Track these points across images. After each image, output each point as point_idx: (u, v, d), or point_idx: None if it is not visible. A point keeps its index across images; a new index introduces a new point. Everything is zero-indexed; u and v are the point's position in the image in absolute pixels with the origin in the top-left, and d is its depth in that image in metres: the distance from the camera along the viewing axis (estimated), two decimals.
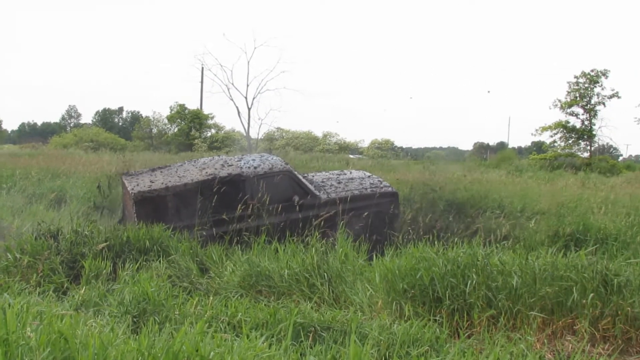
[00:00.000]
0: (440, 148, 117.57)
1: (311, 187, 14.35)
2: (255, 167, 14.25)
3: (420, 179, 25.51)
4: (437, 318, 8.19)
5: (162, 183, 13.75)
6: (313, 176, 16.07)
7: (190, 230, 12.97)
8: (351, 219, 13.50)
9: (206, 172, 14.00)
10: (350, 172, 16.26)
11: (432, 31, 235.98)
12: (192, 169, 14.37)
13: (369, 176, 15.87)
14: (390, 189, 14.85)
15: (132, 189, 13.57)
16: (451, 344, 7.45)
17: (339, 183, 15.08)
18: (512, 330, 8.06)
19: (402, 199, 19.30)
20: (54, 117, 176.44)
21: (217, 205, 13.49)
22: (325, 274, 9.78)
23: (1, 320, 5.03)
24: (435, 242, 10.80)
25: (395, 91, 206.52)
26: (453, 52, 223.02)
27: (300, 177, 14.47)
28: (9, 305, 6.77)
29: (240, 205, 13.47)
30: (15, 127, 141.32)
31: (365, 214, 13.80)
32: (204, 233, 12.94)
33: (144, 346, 5.22)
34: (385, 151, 71.55)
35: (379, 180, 15.48)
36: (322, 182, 15.46)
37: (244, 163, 14.55)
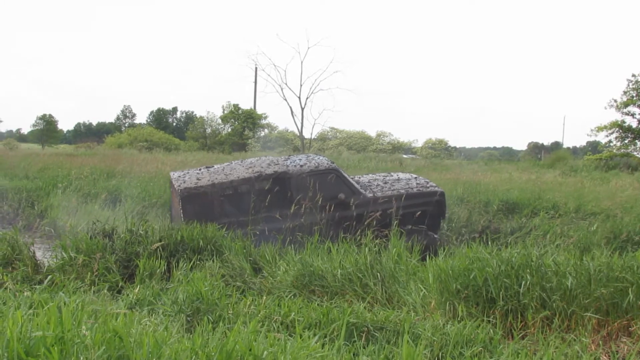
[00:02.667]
0: (494, 148, 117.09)
1: (357, 185, 14.36)
2: (301, 166, 14.33)
3: (474, 179, 25.41)
4: (491, 319, 8.12)
5: (209, 180, 13.91)
6: (360, 178, 16.07)
7: (239, 226, 13.15)
8: (401, 217, 13.42)
9: (252, 170, 14.09)
10: (397, 174, 16.20)
11: (487, 30, 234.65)
12: (239, 168, 14.51)
13: (415, 177, 15.80)
14: (437, 188, 14.75)
15: (179, 185, 13.75)
16: (505, 344, 7.39)
17: (385, 183, 15.07)
18: (566, 332, 7.97)
19: (455, 199, 19.24)
20: (109, 117, 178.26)
21: (264, 202, 13.63)
22: (379, 273, 9.74)
23: (57, 319, 5.08)
24: (489, 242, 10.72)
25: (450, 90, 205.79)
26: (508, 51, 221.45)
27: (347, 175, 14.46)
28: (65, 303, 6.84)
29: (290, 203, 13.62)
30: (71, 127, 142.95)
31: (416, 212, 13.72)
32: (257, 231, 13.02)
33: (198, 345, 5.24)
34: (438, 151, 71.33)
35: (425, 181, 15.39)
36: (369, 182, 15.49)
37: (290, 162, 14.65)
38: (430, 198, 14.19)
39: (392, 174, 16.40)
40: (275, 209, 13.77)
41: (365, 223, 13.19)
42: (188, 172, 14.72)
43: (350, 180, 14.38)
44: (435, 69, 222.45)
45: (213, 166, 14.97)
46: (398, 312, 8.30)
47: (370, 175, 16.59)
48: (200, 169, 14.96)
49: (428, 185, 14.89)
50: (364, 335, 7.50)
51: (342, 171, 14.52)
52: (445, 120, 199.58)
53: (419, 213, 13.78)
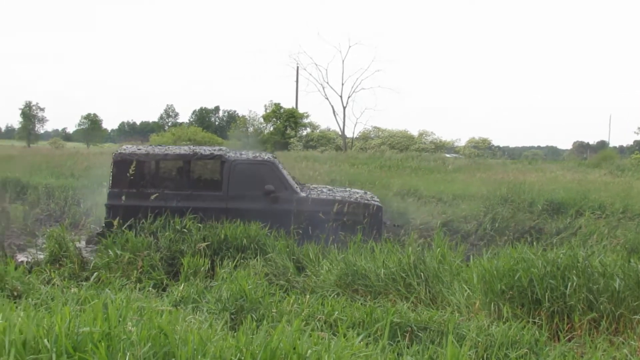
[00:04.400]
0: (539, 147, 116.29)
1: (292, 183, 14.39)
2: (240, 154, 14.71)
3: (518, 178, 25.23)
4: (536, 320, 8.04)
5: (146, 151, 14.46)
6: (311, 184, 16.53)
7: (164, 199, 13.72)
8: (331, 222, 13.37)
9: (191, 150, 14.65)
10: (351, 189, 16.19)
11: (532, 25, 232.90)
12: (184, 148, 15.03)
13: (365, 193, 15.75)
14: (375, 203, 14.60)
15: (116, 150, 14.74)
16: (551, 347, 7.32)
17: (329, 190, 15.15)
18: (614, 334, 7.87)
19: (499, 199, 19.12)
20: (153, 117, 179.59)
21: (194, 181, 14.39)
22: (422, 273, 9.70)
23: (103, 315, 5.13)
24: (534, 243, 10.63)
25: (493, 88, 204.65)
26: (552, 49, 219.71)
27: (284, 172, 14.51)
28: (111, 300, 6.90)
29: (219, 186, 14.11)
30: (115, 127, 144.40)
31: (347, 220, 13.73)
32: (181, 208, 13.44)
33: (242, 343, 5.25)
34: (482, 150, 70.90)
35: (371, 196, 15.32)
36: (315, 187, 15.67)
37: (234, 152, 14.98)
38: (364, 210, 14.06)
39: (347, 189, 16.47)
40: (203, 189, 14.18)
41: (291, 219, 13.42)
42: (137, 146, 15.06)
43: (287, 177, 14.43)
44: (479, 67, 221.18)
45: (168, 147, 15.07)
46: (442, 313, 8.26)
47: (325, 186, 16.58)
48: (152, 146, 15.20)
49: (370, 200, 14.81)
50: (407, 335, 7.48)
51: (281, 167, 14.59)
52: (488, 119, 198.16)
53: (349, 222, 13.74)
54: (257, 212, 13.20)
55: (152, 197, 13.49)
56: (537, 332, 7.49)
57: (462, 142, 75.29)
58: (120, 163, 13.87)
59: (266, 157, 14.55)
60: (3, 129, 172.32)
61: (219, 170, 14.26)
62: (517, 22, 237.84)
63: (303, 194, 14.22)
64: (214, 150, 14.44)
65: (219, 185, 14.06)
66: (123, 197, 13.49)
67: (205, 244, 11.36)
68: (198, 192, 13.88)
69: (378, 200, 15.10)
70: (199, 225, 12.32)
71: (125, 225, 12.30)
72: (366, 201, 14.48)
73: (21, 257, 12.65)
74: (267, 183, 13.95)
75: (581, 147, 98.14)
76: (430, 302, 9.22)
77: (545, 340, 7.43)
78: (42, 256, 11.85)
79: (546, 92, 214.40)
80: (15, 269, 9.71)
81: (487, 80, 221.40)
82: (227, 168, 14.03)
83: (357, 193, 15.32)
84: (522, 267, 8.61)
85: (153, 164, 14.10)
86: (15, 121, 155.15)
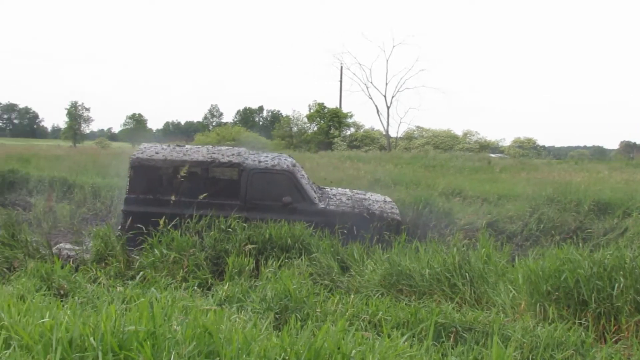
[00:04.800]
0: (584, 147, 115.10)
1: (311, 194, 14.17)
2: (259, 162, 14.43)
3: (564, 178, 25.01)
4: (583, 321, 7.97)
5: (164, 155, 14.28)
6: (330, 189, 15.92)
7: (182, 207, 13.50)
8: (346, 234, 13.12)
9: (209, 156, 14.40)
10: (371, 195, 15.86)
11: (576, 23, 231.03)
12: (202, 151, 14.79)
13: (385, 201, 15.49)
14: (395, 216, 14.47)
15: (134, 154, 14.41)
16: (597, 348, 7.25)
17: (348, 199, 14.82)
18: None
19: (545, 199, 18.96)
20: (197, 116, 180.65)
21: (212, 188, 13.91)
22: (467, 274, 9.65)
23: (149, 314, 5.16)
24: (580, 243, 10.54)
25: (538, 87, 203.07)
26: (599, 46, 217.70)
27: (303, 182, 14.27)
28: (156, 299, 6.95)
29: (237, 195, 13.87)
30: (160, 126, 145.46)
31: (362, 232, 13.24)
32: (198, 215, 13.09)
33: (287, 342, 5.26)
34: (527, 150, 70.36)
35: (390, 207, 15.04)
36: (334, 195, 15.28)
37: (253, 157, 14.77)
38: (381, 222, 13.83)
39: (367, 193, 16.07)
40: (221, 197, 13.83)
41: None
42: (154, 146, 14.81)
43: (306, 186, 14.19)
44: (524, 66, 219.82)
45: (184, 145, 15.04)
46: (487, 313, 8.22)
47: (344, 190, 16.25)
48: (169, 146, 15.01)
49: (389, 211, 14.59)
50: (452, 335, 7.45)
51: (300, 176, 14.35)
52: (534, 119, 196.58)
53: (367, 235, 13.20)
54: (274, 222, 12.88)
55: (169, 204, 13.45)
56: (583, 334, 7.43)
57: (507, 142, 74.84)
58: (138, 168, 13.85)
59: (285, 166, 14.33)
60: (50, 129, 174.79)
61: (237, 179, 14.13)
62: (563, 18, 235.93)
63: (321, 205, 14.05)
64: (233, 155, 14.30)
65: (236, 194, 13.90)
66: (140, 204, 13.51)
67: (252, 246, 11.37)
68: (215, 201, 13.62)
69: (397, 211, 15.00)
70: (244, 225, 12.33)
71: (138, 232, 12.36)
72: (385, 214, 14.32)
73: (66, 247, 12.75)
74: (285, 193, 13.81)
75: (628, 147, 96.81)
76: (475, 302, 9.17)
77: (592, 342, 7.37)
78: (88, 255, 11.95)
79: (593, 90, 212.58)
80: (62, 267, 9.82)
81: (533, 79, 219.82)
82: (245, 177, 13.93)
83: (377, 201, 15.14)
84: (568, 267, 8.53)
85: (170, 170, 13.97)
86: (62, 121, 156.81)
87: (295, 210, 13.72)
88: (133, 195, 13.68)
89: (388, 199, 15.77)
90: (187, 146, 14.95)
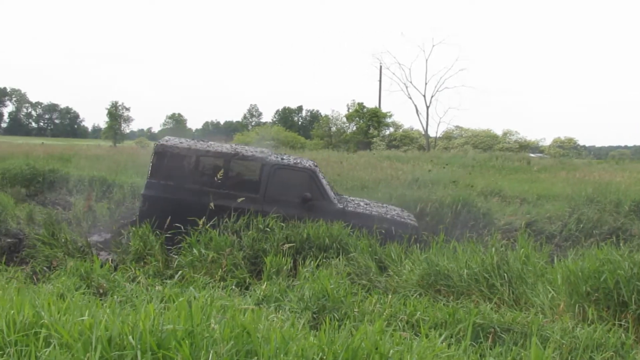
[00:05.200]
0: (625, 147, 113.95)
1: (330, 193, 14.27)
2: (282, 159, 14.60)
3: (604, 178, 24.79)
4: (622, 323, 7.90)
5: (188, 145, 14.49)
6: (348, 197, 16.09)
7: (200, 195, 13.64)
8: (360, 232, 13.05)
9: (232, 149, 14.60)
10: (388, 205, 15.87)
11: (615, 21, 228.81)
12: (226, 146, 15.04)
13: (402, 210, 15.53)
14: (411, 222, 14.48)
15: (158, 142, 14.74)
16: (638, 350, 7.18)
17: (366, 205, 14.93)
18: None
19: (584, 199, 18.81)
20: (237, 116, 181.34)
21: (233, 180, 14.14)
22: (505, 274, 9.60)
23: (187, 313, 5.19)
24: (620, 244, 10.44)
25: (578, 86, 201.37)
26: (638, 44, 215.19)
27: (324, 182, 14.39)
28: (194, 298, 6.99)
29: (257, 188, 13.92)
30: (199, 126, 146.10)
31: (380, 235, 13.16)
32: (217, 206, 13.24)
33: (324, 342, 5.26)
34: (567, 150, 69.83)
35: (407, 215, 15.19)
36: (352, 199, 15.41)
37: (275, 155, 14.88)
38: (401, 228, 13.80)
39: (384, 205, 16.03)
40: (240, 190, 13.90)
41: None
42: (178, 138, 14.98)
43: (326, 186, 14.31)
44: (565, 65, 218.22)
45: (208, 142, 15.18)
46: (526, 314, 8.17)
47: (362, 199, 16.27)
48: (193, 139, 15.17)
49: (406, 218, 14.62)
50: (490, 336, 7.41)
51: (321, 176, 14.48)
52: (574, 118, 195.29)
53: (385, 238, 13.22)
54: (293, 219, 13.03)
55: (189, 191, 13.63)
56: (623, 335, 7.36)
57: (547, 142, 74.36)
58: (161, 154, 13.98)
59: (307, 165, 14.48)
60: (90, 128, 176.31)
61: (258, 173, 14.20)
62: (603, 17, 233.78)
63: (340, 206, 14.12)
64: (256, 151, 14.42)
65: (256, 188, 13.96)
66: (160, 189, 13.67)
67: (290, 245, 11.39)
68: (235, 192, 13.71)
69: (414, 219, 15.04)
70: (282, 224, 12.36)
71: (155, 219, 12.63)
72: (403, 219, 14.40)
73: (106, 255, 12.87)
74: (305, 190, 13.89)
75: None
76: (513, 303, 9.12)
77: (632, 343, 7.30)
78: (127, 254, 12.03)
79: (635, 89, 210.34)
80: (101, 266, 9.91)
81: (573, 78, 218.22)
82: (266, 171, 14.01)
83: (394, 210, 15.21)
84: (608, 268, 8.46)
85: (193, 159, 14.05)
86: (102, 121, 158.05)
87: (314, 207, 13.80)
88: (154, 181, 13.85)
89: (405, 211, 15.79)
90: (211, 142, 15.10)
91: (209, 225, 12.00)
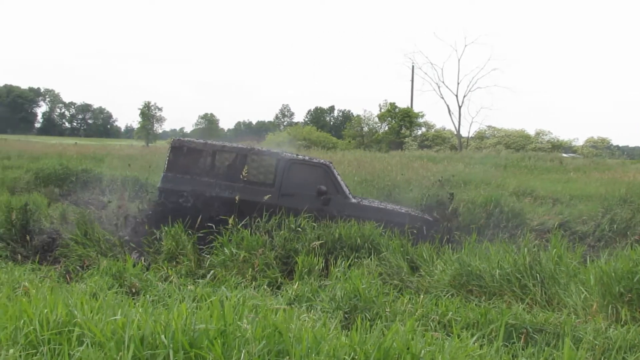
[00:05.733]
0: None
1: (345, 188, 14.46)
2: (296, 155, 15.03)
3: (638, 179, 24.58)
4: None
5: (204, 140, 14.93)
6: (361, 197, 16.46)
7: (213, 188, 14.05)
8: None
9: (247, 145, 15.24)
10: (400, 207, 15.94)
11: None
12: (241, 145, 15.58)
13: (413, 210, 15.63)
14: (426, 217, 14.70)
15: (175, 137, 15.10)
16: None
17: (379, 203, 15.14)
18: None
19: (618, 200, 18.67)
20: (269, 116, 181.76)
21: (248, 174, 14.14)
22: (538, 274, 9.55)
23: (219, 313, 5.21)
24: None
25: (612, 86, 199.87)
26: None
27: (338, 177, 14.60)
28: (227, 298, 7.02)
29: (272, 183, 14.13)
30: (232, 126, 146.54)
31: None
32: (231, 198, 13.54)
33: (356, 342, 5.27)
34: (600, 150, 69.32)
35: (420, 211, 15.50)
36: (365, 197, 15.89)
37: (291, 153, 15.30)
38: (417, 222, 13.90)
39: (396, 206, 16.14)
40: (256, 184, 14.12)
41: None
42: (199, 139, 15.26)
43: (341, 182, 14.52)
44: (598, 64, 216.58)
45: (223, 143, 15.48)
46: (558, 314, 8.13)
47: (374, 200, 16.42)
48: (211, 140, 15.51)
49: (420, 213, 14.82)
50: (522, 337, 7.38)
51: (336, 173, 14.66)
52: (607, 118, 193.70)
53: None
54: (308, 213, 13.15)
55: (204, 185, 13.89)
56: None
57: (580, 142, 73.86)
58: (177, 149, 14.25)
59: (322, 160, 14.80)
60: (123, 128, 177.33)
61: (273, 167, 14.35)
62: (637, 14, 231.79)
63: (354, 200, 14.34)
64: (272, 148, 14.67)
65: (271, 182, 14.15)
66: (176, 182, 13.92)
67: (320, 242, 11.42)
68: (251, 186, 13.94)
69: (428, 215, 15.18)
70: (314, 224, 12.39)
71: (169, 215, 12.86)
72: (418, 213, 14.64)
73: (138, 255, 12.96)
74: (320, 185, 14.06)
75: None
76: (546, 303, 9.07)
77: None
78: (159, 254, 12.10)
79: None
80: (134, 266, 9.97)
81: (607, 77, 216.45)
82: (281, 166, 14.19)
83: (408, 207, 15.43)
84: None
85: (209, 154, 14.35)
86: (135, 121, 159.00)
87: (329, 201, 13.98)
88: (170, 174, 14.09)
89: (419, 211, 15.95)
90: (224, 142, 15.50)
91: (223, 218, 12.40)
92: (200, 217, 12.80)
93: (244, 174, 13.60)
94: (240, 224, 12.00)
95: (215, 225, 12.40)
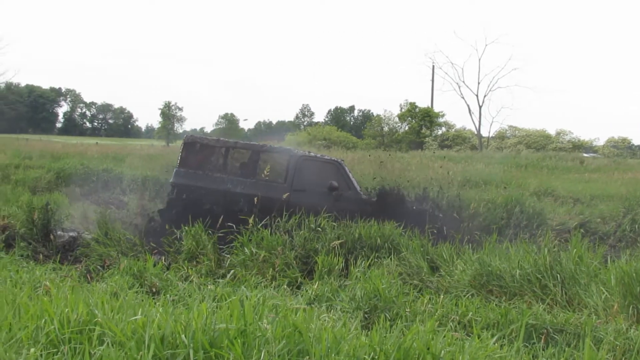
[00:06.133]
0: None
1: (356, 185, 14.63)
2: (308, 152, 15.34)
3: None
4: None
5: (217, 138, 15.45)
6: None
7: (227, 184, 14.29)
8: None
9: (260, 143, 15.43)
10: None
11: None
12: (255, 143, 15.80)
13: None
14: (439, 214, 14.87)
15: (188, 133, 15.21)
16: None
17: None
18: None
19: (638, 200, 18.58)
20: (289, 116, 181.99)
21: (261, 171, 14.30)
22: (558, 275, 9.51)
23: (239, 312, 5.23)
24: None
25: (633, 86, 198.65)
26: None
27: (350, 174, 14.76)
28: (247, 297, 7.04)
29: (285, 179, 14.33)
30: (252, 126, 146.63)
31: None
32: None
33: (376, 342, 5.27)
34: (621, 150, 69.03)
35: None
36: None
37: (303, 151, 15.57)
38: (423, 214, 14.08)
39: None
40: (267, 180, 14.18)
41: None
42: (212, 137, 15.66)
43: (352, 178, 14.68)
44: (619, 64, 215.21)
45: (236, 140, 15.79)
46: (579, 315, 8.09)
47: None
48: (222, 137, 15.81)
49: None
50: (543, 337, 7.36)
51: (347, 170, 14.80)
52: (628, 118, 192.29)
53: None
54: (319, 208, 13.19)
55: (216, 180, 14.11)
56: None
57: (601, 142, 73.59)
58: (190, 145, 14.52)
59: (334, 158, 15.09)
60: (143, 128, 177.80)
61: (285, 164, 14.51)
62: None
63: (365, 197, 14.50)
64: (284, 146, 14.80)
65: (283, 178, 14.31)
66: (188, 177, 14.15)
67: (340, 241, 11.43)
68: (262, 182, 14.06)
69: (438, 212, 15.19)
70: (334, 224, 12.41)
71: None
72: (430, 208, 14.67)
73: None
74: (331, 181, 14.21)
75: None
76: (566, 304, 9.03)
77: None
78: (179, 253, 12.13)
79: None
80: (154, 265, 10.01)
81: (628, 77, 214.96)
82: (293, 162, 14.36)
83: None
84: None
85: (221, 150, 14.61)
86: (155, 121, 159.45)
87: (341, 197, 14.12)
88: (182, 169, 14.33)
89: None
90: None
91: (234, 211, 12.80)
92: (212, 212, 12.93)
93: (265, 173, 13.67)
94: (261, 224, 12.04)
95: (229, 221, 12.49)
